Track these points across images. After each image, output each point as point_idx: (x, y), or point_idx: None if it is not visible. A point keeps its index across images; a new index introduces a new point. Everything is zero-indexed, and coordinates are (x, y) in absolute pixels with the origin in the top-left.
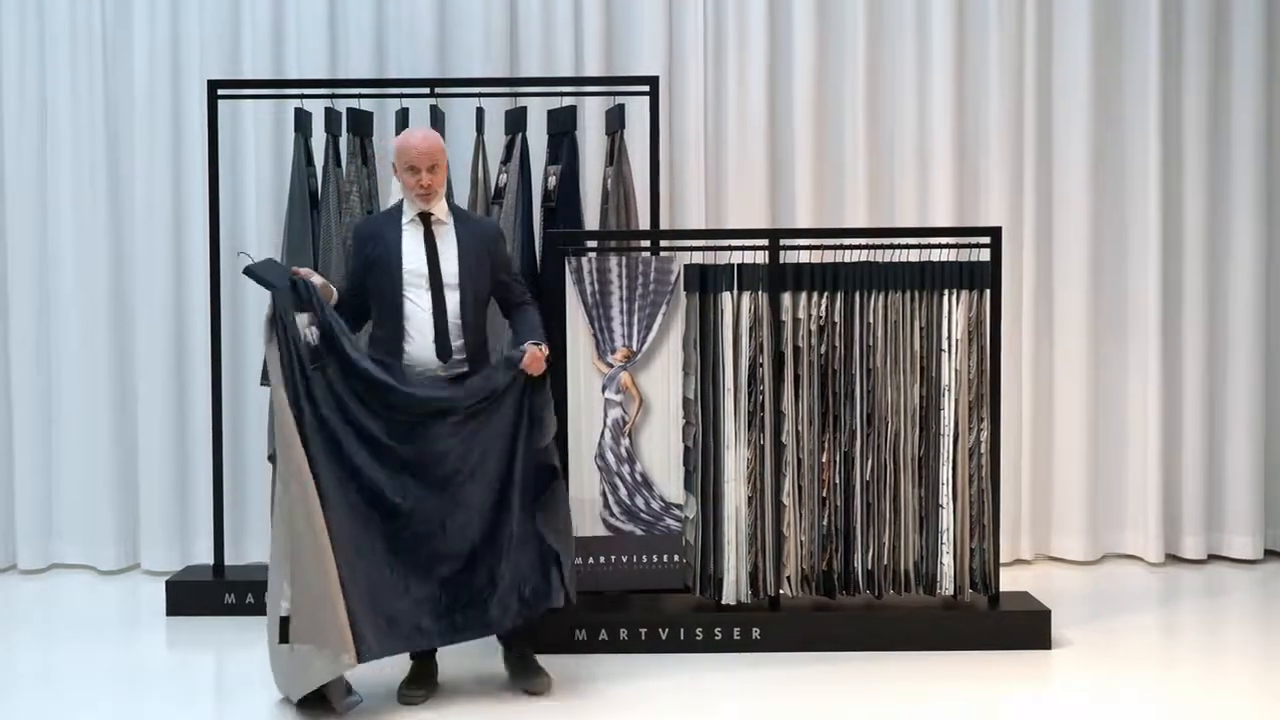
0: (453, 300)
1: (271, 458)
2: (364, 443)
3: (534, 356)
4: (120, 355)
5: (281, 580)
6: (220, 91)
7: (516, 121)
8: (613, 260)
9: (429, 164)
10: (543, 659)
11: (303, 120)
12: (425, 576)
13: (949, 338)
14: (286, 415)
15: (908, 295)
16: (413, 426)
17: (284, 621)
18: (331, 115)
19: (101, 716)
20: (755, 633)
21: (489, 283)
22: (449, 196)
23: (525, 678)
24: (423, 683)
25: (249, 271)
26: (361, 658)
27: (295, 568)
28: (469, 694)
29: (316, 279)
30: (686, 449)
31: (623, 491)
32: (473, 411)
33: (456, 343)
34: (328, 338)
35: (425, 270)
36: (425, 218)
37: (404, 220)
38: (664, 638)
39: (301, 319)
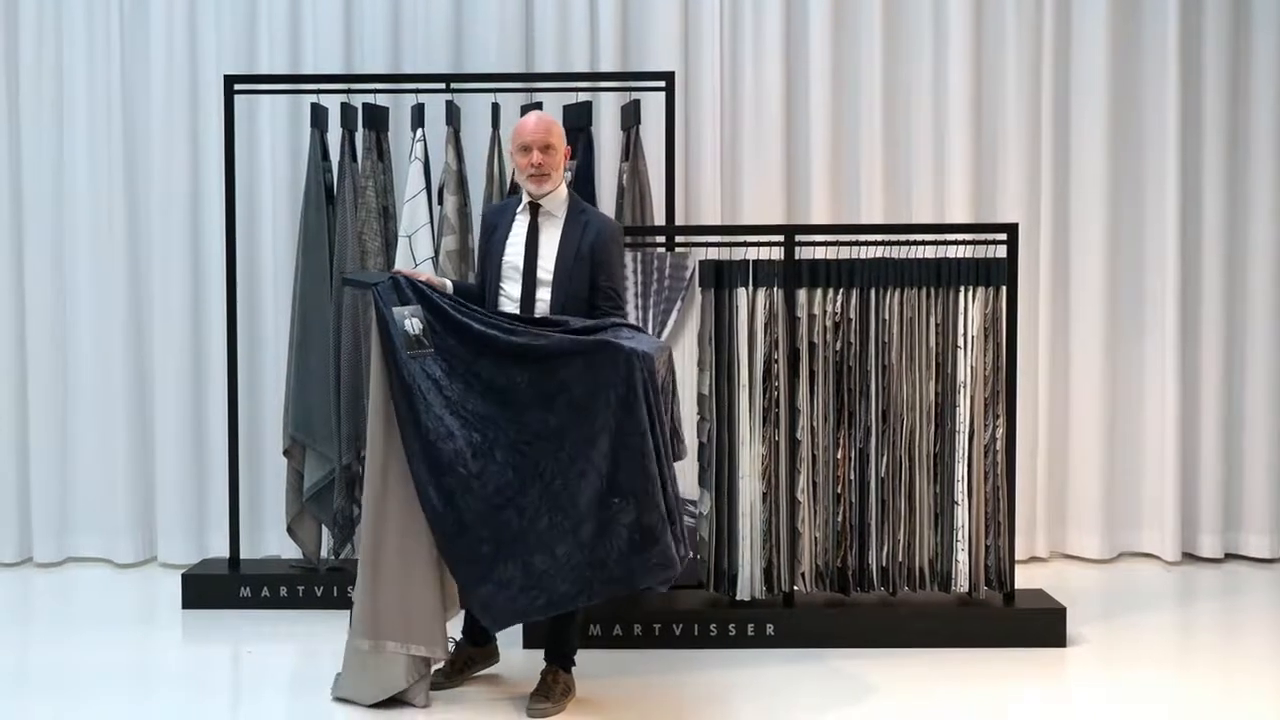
0: (543, 296)
1: (287, 453)
2: (466, 426)
3: None
4: (136, 349)
5: (364, 578)
6: (237, 87)
7: None
8: (628, 256)
9: (542, 143)
10: None
11: (319, 115)
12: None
13: (965, 334)
14: (383, 404)
15: (923, 292)
16: (511, 406)
17: (358, 619)
18: (347, 110)
19: (117, 710)
20: (769, 629)
21: (588, 286)
22: (578, 190)
23: (534, 698)
24: (460, 669)
25: (346, 280)
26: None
27: (379, 565)
28: (480, 692)
29: (421, 276)
30: (701, 445)
31: None
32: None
33: None
34: (431, 326)
35: (520, 263)
36: (534, 209)
37: (517, 209)
38: (678, 633)
39: (402, 311)
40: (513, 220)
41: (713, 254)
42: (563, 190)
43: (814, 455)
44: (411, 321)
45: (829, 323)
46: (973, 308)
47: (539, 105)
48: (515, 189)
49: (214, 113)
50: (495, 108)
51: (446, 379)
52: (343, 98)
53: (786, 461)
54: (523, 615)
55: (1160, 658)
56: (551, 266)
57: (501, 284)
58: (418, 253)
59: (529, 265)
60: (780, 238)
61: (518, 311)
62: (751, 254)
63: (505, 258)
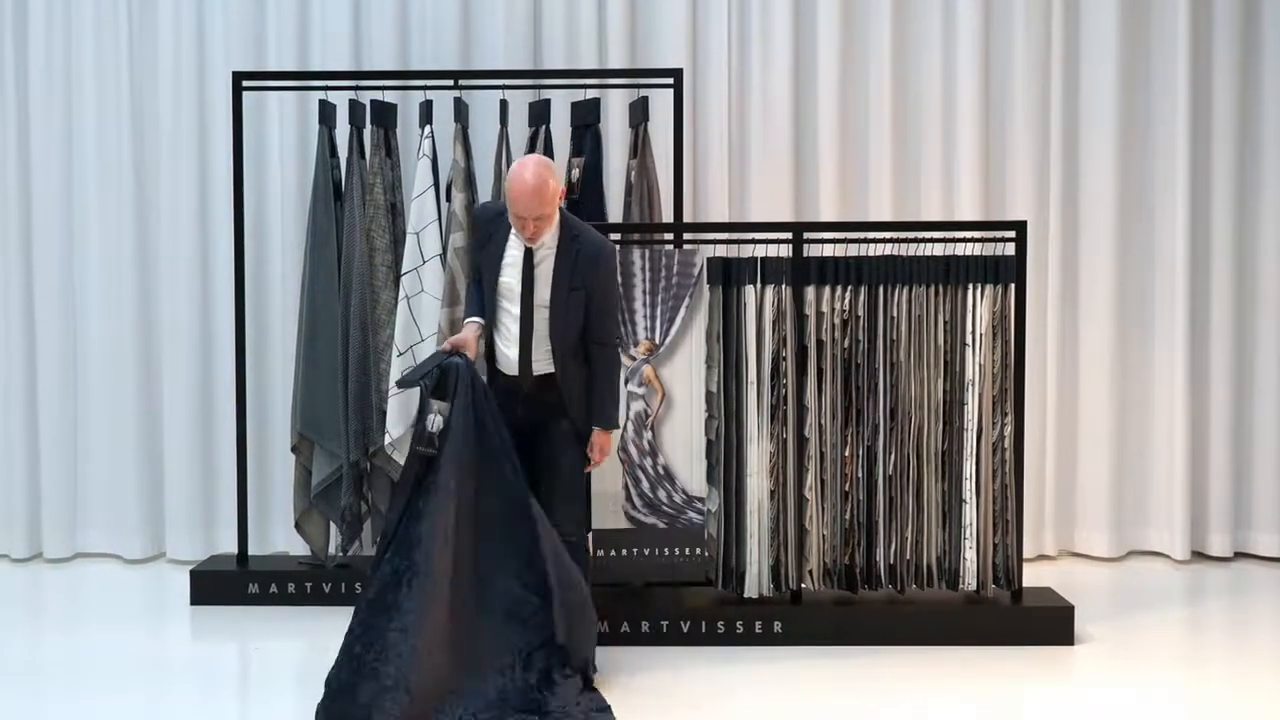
0: (542, 317)
1: (295, 449)
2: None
3: (601, 449)
4: (145, 346)
5: None
6: (245, 83)
7: (540, 114)
8: (636, 253)
9: (534, 215)
10: None
11: (327, 112)
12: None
13: (973, 332)
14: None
15: (932, 289)
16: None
17: None
18: (355, 107)
19: (125, 705)
20: (777, 626)
21: (582, 312)
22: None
23: None
24: None
25: (401, 384)
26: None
27: None
28: None
29: (471, 348)
30: (709, 442)
31: (645, 484)
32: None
33: (541, 362)
34: (448, 432)
35: (518, 289)
36: None
37: (512, 230)
38: (685, 630)
39: (432, 404)
40: (506, 238)
41: (721, 251)
42: (554, 220)
43: (822, 453)
44: (435, 419)
45: (837, 320)
46: (981, 305)
47: (547, 102)
48: None
49: (222, 110)
50: (503, 104)
51: (420, 486)
52: (351, 94)
53: (794, 459)
54: None
55: (1169, 656)
56: (548, 295)
57: (502, 302)
58: (425, 250)
59: (526, 291)
60: (788, 235)
61: (517, 327)
62: (760, 251)
63: (503, 279)
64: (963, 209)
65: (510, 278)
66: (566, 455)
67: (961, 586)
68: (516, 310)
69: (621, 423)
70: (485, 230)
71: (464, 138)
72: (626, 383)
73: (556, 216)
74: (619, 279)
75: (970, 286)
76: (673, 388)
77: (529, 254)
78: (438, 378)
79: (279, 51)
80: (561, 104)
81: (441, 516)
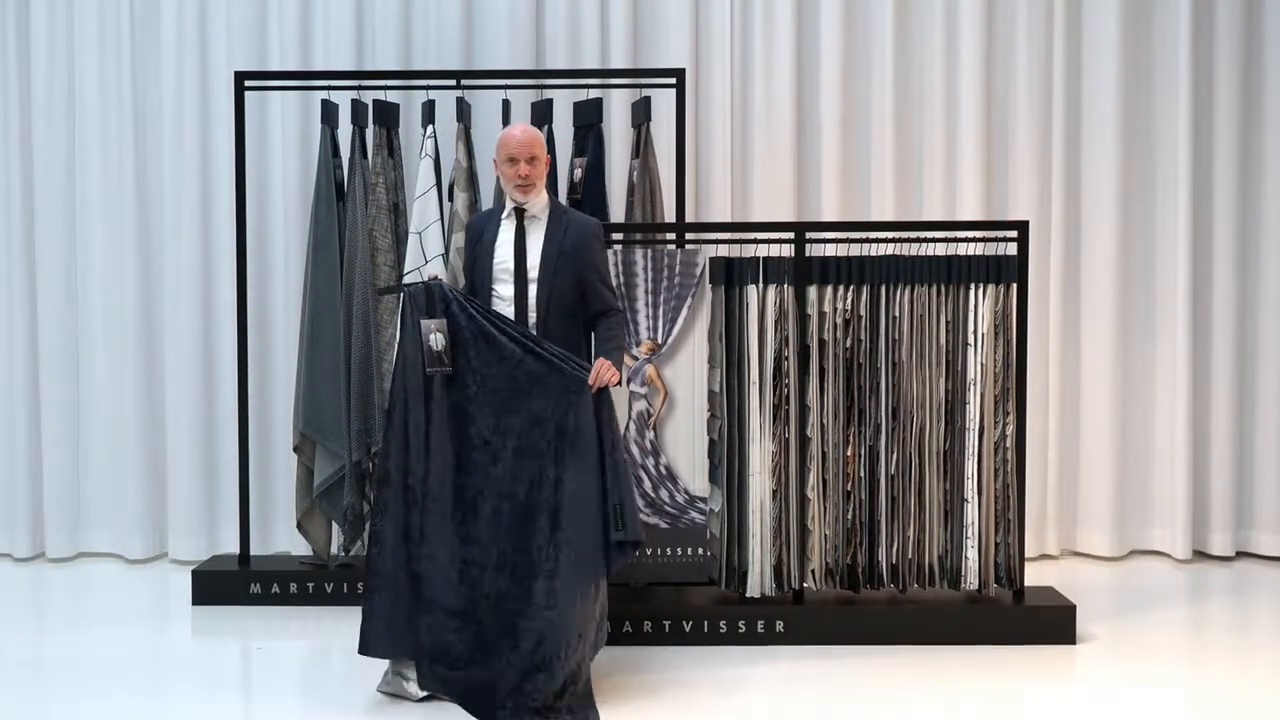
0: (532, 292)
1: (297, 449)
2: (465, 447)
3: (598, 371)
4: (148, 346)
5: None
6: (247, 83)
7: (542, 113)
8: (638, 253)
9: (528, 155)
10: None
11: (329, 112)
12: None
13: (975, 332)
14: (392, 409)
15: (934, 289)
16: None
17: None
18: (358, 107)
19: (127, 706)
20: (779, 626)
21: (573, 282)
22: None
23: None
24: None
25: (381, 290)
26: (367, 650)
27: None
28: None
29: (446, 280)
30: (711, 442)
31: (647, 484)
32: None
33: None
34: (456, 343)
35: (511, 265)
36: (519, 213)
37: (502, 215)
38: (688, 630)
39: (429, 324)
40: (499, 226)
41: (723, 251)
42: (544, 196)
43: (824, 452)
44: (436, 337)
45: (839, 320)
46: (983, 305)
47: (549, 102)
48: None
49: (224, 110)
50: (506, 104)
51: (442, 396)
52: (353, 94)
53: (796, 458)
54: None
55: (1170, 655)
56: (538, 264)
57: (494, 286)
58: (428, 249)
59: (519, 266)
60: (791, 235)
61: (511, 309)
62: (762, 251)
63: (496, 260)
64: (965, 208)
65: (504, 255)
66: None
67: (963, 586)
68: (510, 292)
69: (622, 423)
70: (477, 229)
71: (466, 137)
72: (629, 383)
73: (545, 194)
74: (611, 265)
75: (972, 286)
76: (675, 387)
77: (520, 228)
78: (425, 296)
79: (281, 51)
80: (564, 104)
81: (462, 443)
